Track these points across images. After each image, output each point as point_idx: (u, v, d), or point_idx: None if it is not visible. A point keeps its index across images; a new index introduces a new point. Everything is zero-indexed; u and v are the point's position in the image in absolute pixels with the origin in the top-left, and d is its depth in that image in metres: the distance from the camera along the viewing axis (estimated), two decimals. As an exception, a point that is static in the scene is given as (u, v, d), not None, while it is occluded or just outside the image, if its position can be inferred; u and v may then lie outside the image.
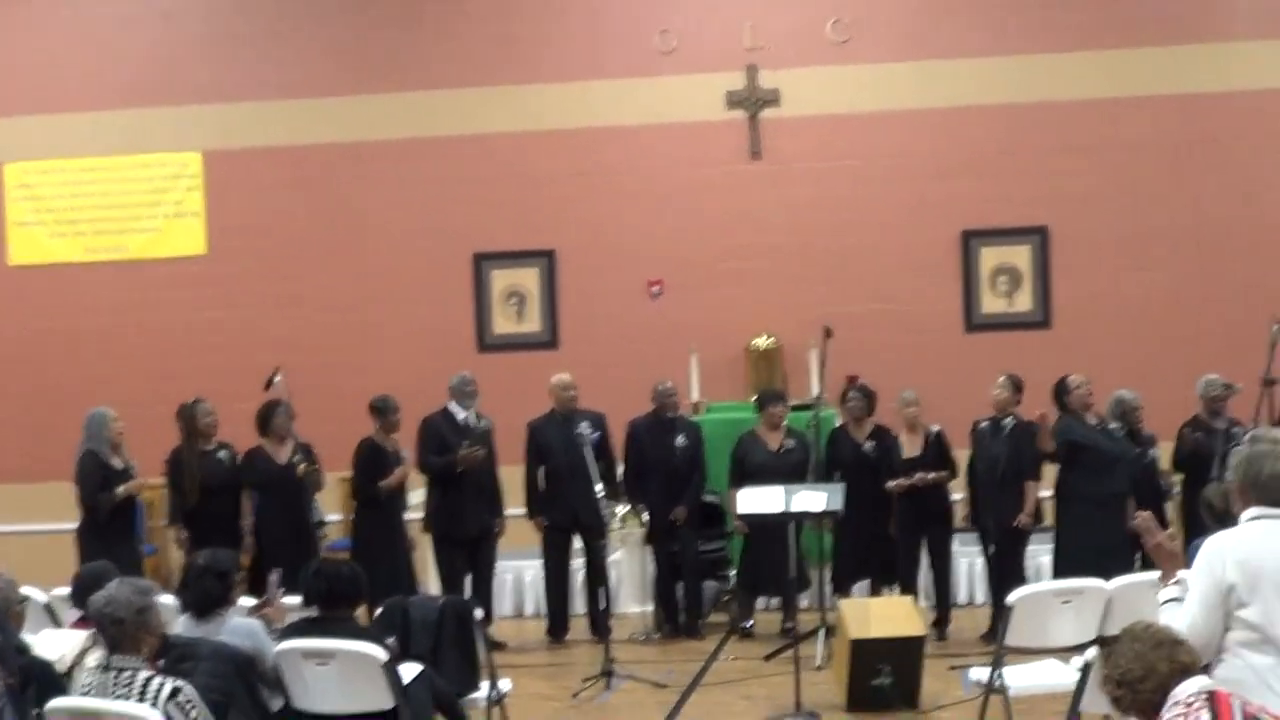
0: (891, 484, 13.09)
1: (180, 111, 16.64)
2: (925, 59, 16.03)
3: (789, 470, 13.03)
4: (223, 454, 12.91)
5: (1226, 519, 9.34)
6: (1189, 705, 5.19)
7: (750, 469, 13.26)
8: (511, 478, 13.74)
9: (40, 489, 15.20)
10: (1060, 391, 12.88)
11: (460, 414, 13.57)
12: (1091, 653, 7.71)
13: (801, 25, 16.14)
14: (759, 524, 12.50)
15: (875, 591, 13.51)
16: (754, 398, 14.13)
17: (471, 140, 16.41)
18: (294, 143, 16.62)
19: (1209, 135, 15.75)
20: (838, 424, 13.70)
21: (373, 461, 13.25)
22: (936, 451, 13.20)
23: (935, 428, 13.28)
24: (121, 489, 12.28)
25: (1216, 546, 6.05)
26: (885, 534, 13.24)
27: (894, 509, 13.24)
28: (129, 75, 16.71)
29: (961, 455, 13.27)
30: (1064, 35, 15.85)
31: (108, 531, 12.25)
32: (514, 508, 13.75)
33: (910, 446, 13.22)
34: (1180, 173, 15.78)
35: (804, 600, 13.54)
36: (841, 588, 13.40)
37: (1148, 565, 9.59)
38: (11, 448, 16.43)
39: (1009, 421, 12.79)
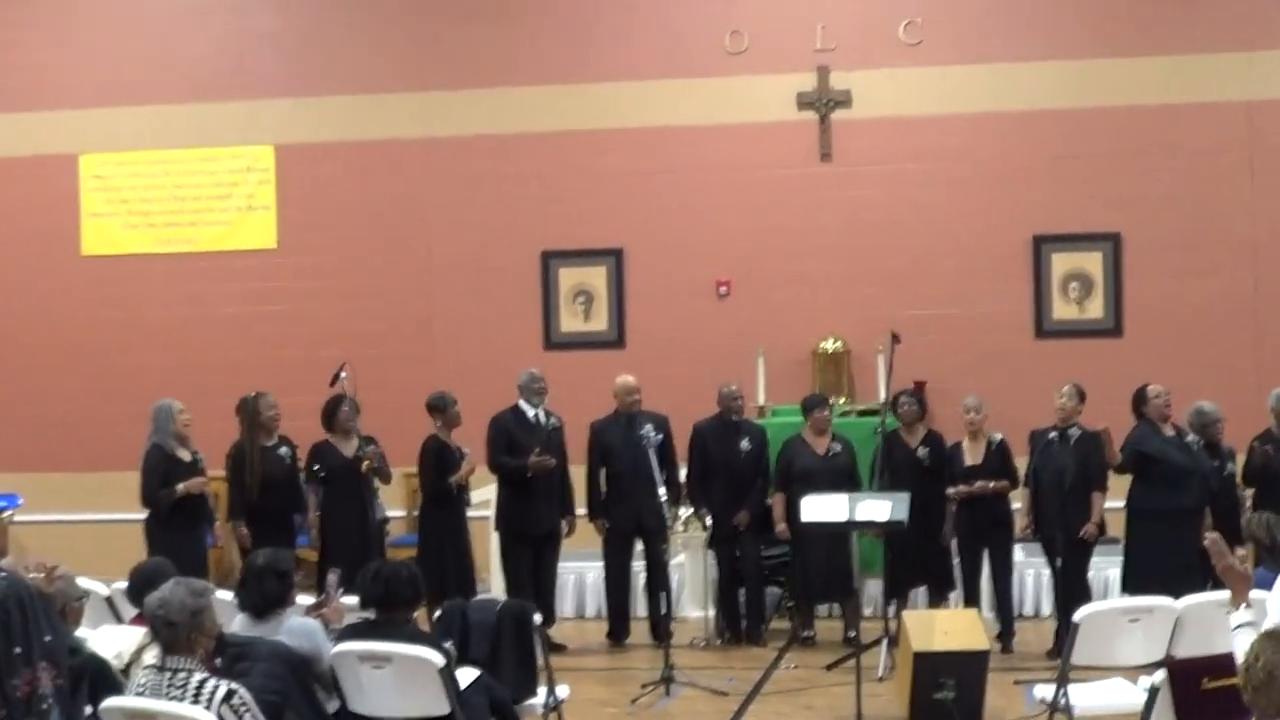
0: (952, 491, 12.98)
1: (252, 105, 16.71)
2: (997, 62, 15.93)
3: (835, 475, 13.00)
4: (284, 450, 12.90)
5: (1275, 549, 9.25)
6: None
7: (797, 474, 13.21)
8: (577, 477, 13.71)
9: (109, 478, 15.22)
10: (1138, 400, 12.73)
11: (530, 411, 13.53)
12: (1160, 674, 7.60)
13: (873, 27, 16.06)
14: (811, 531, 12.38)
15: (933, 602, 13.41)
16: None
17: (541, 138, 16.39)
18: (364, 138, 16.66)
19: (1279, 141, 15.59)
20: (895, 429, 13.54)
21: (439, 459, 13.23)
22: (999, 460, 13.07)
23: (998, 435, 13.14)
24: (181, 487, 12.24)
25: None
26: (938, 542, 13.14)
27: (947, 516, 13.12)
28: (202, 69, 16.79)
29: (1019, 464, 13.12)
30: (1133, 40, 15.72)
31: (174, 524, 12.25)
32: (579, 508, 13.71)
33: (972, 454, 13.09)
34: (1251, 179, 15.62)
35: (867, 609, 13.44)
36: (892, 595, 13.26)
37: (1218, 583, 9.46)
38: (81, 437, 16.57)
39: (1074, 431, 12.63)
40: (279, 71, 16.72)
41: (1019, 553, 13.52)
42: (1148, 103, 15.68)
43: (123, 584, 8.93)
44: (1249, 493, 13.14)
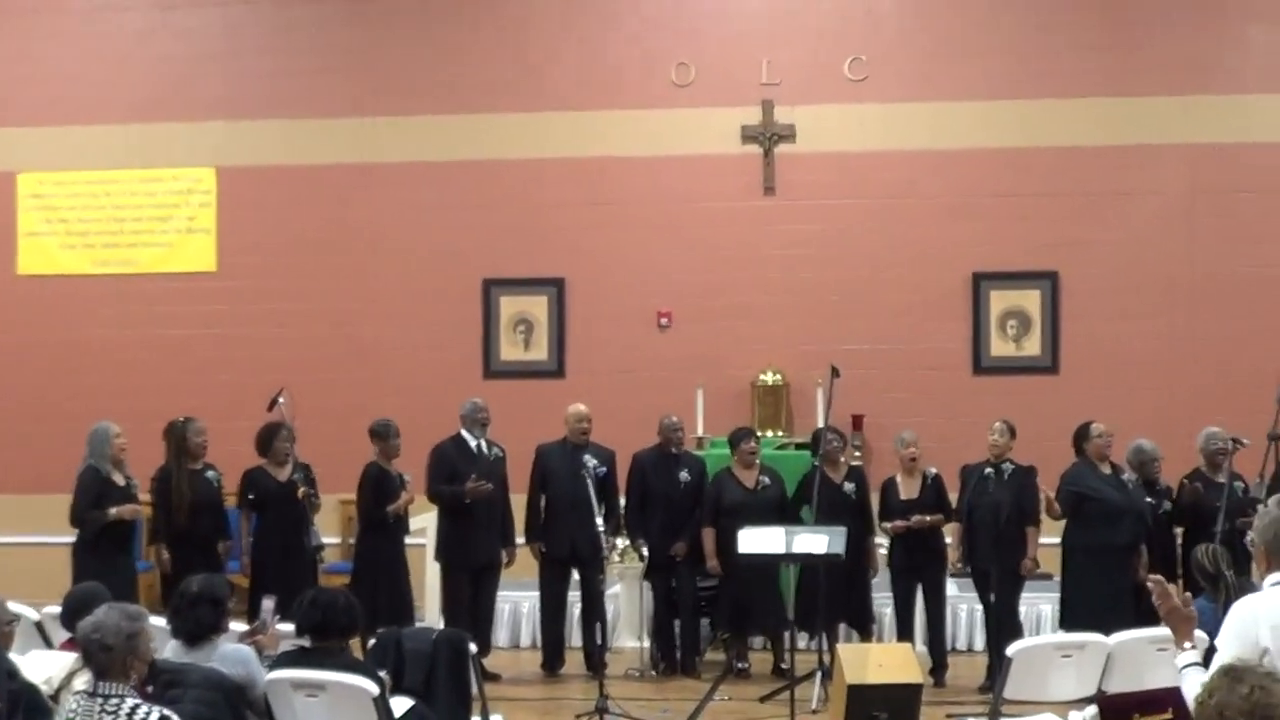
0: (888, 525, 13.01)
1: (194, 127, 16.68)
2: (940, 100, 16.04)
3: (765, 507, 12.99)
4: (210, 474, 12.80)
5: (1218, 580, 9.33)
6: None
7: (726, 507, 13.19)
8: (516, 507, 13.65)
9: (40, 500, 15.09)
10: (1079, 438, 12.78)
11: (472, 441, 13.49)
12: (1090, 710, 7.65)
13: (819, 62, 16.14)
14: (740, 564, 12.37)
15: (866, 635, 13.42)
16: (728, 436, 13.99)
17: (484, 166, 16.41)
18: (307, 162, 16.64)
19: (1219, 185, 15.75)
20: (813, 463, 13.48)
21: (378, 486, 13.15)
22: (934, 494, 13.11)
23: (933, 470, 13.18)
24: (113, 511, 12.12)
25: (1249, 610, 5.92)
26: (863, 578, 13.17)
27: (871, 552, 13.16)
28: (144, 89, 16.74)
29: (953, 499, 13.17)
30: (1078, 81, 15.85)
31: (102, 549, 12.12)
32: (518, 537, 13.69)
33: (907, 489, 13.12)
34: (1189, 222, 15.77)
35: (802, 642, 13.45)
36: (814, 629, 13.19)
37: (1149, 620, 9.52)
38: (12, 458, 16.44)
39: (1008, 466, 12.70)
40: (222, 94, 16.68)
41: (952, 587, 13.58)
42: (1088, 144, 15.82)
43: (53, 608, 8.87)
44: (1177, 531, 13.21)
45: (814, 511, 12.70)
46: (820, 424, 13.65)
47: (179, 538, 12.46)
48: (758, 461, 13.49)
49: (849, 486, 13.30)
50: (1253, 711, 4.88)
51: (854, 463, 13.93)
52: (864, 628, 13.43)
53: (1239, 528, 11.58)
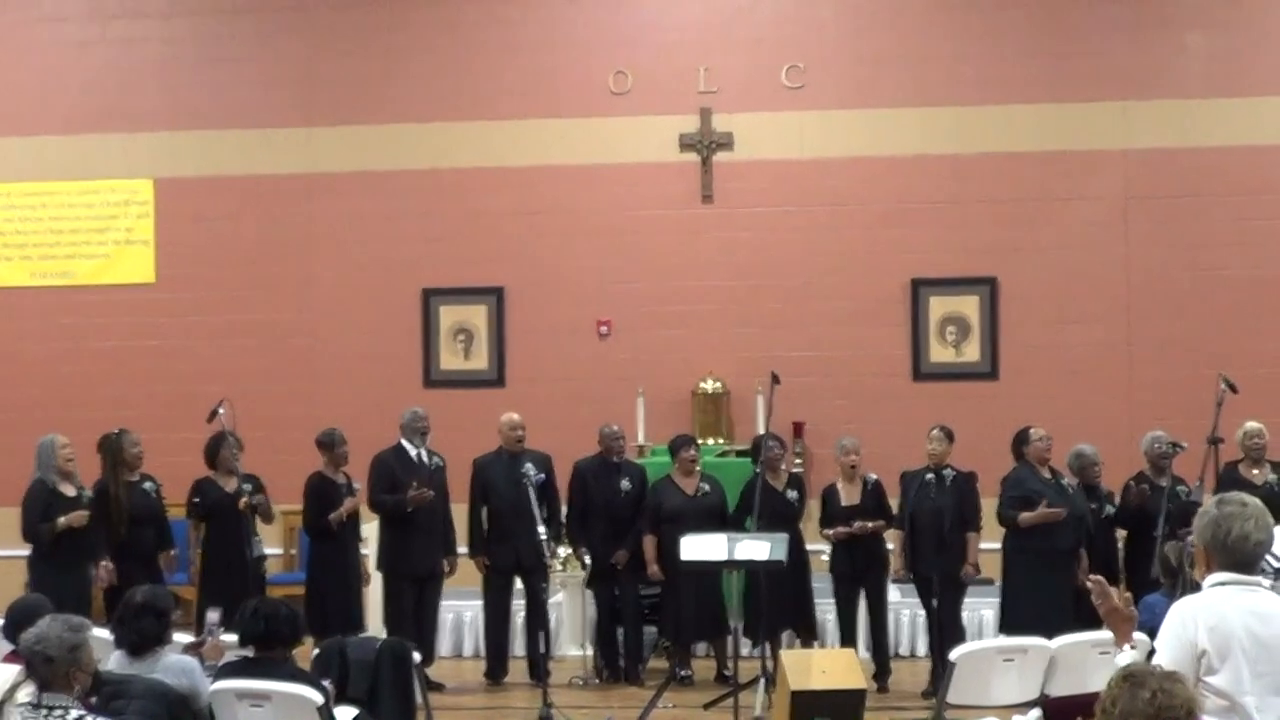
0: (830, 532, 13.05)
1: (132, 139, 16.61)
2: (877, 107, 16.09)
3: (705, 514, 13.03)
4: (148, 485, 12.76)
5: (1178, 576, 9.41)
6: None
7: (666, 514, 13.21)
8: (457, 516, 13.64)
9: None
10: (1019, 442, 12.84)
11: (412, 450, 13.47)
12: (1034, 713, 7.69)
13: (756, 70, 16.18)
14: (682, 571, 12.41)
15: (804, 644, 13.46)
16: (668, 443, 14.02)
17: (422, 175, 16.40)
18: (245, 172, 16.58)
19: (1156, 190, 15.83)
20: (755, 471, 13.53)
21: (322, 495, 13.08)
22: (875, 500, 13.14)
23: (873, 476, 13.21)
24: (62, 520, 12.09)
25: (1188, 611, 5.93)
26: (805, 585, 13.19)
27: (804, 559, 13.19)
28: (83, 100, 16.65)
29: (893, 504, 13.22)
30: (1015, 88, 15.94)
31: (58, 560, 12.11)
32: (460, 546, 13.66)
33: (848, 495, 13.14)
34: (1127, 227, 15.85)
35: (745, 649, 13.48)
36: (759, 637, 13.23)
37: (1088, 623, 9.58)
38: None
39: (949, 472, 12.75)
40: (159, 105, 16.60)
41: (894, 593, 13.63)
42: (1025, 150, 15.91)
43: (-4, 621, 8.82)
44: (1121, 534, 13.31)
45: (756, 519, 12.72)
46: (761, 431, 13.69)
47: (121, 550, 12.41)
48: (698, 469, 13.51)
49: (791, 494, 13.34)
50: (1157, 715, 4.90)
51: (795, 469, 13.95)
52: (809, 634, 13.46)
53: (1180, 536, 11.65)
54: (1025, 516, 12.39)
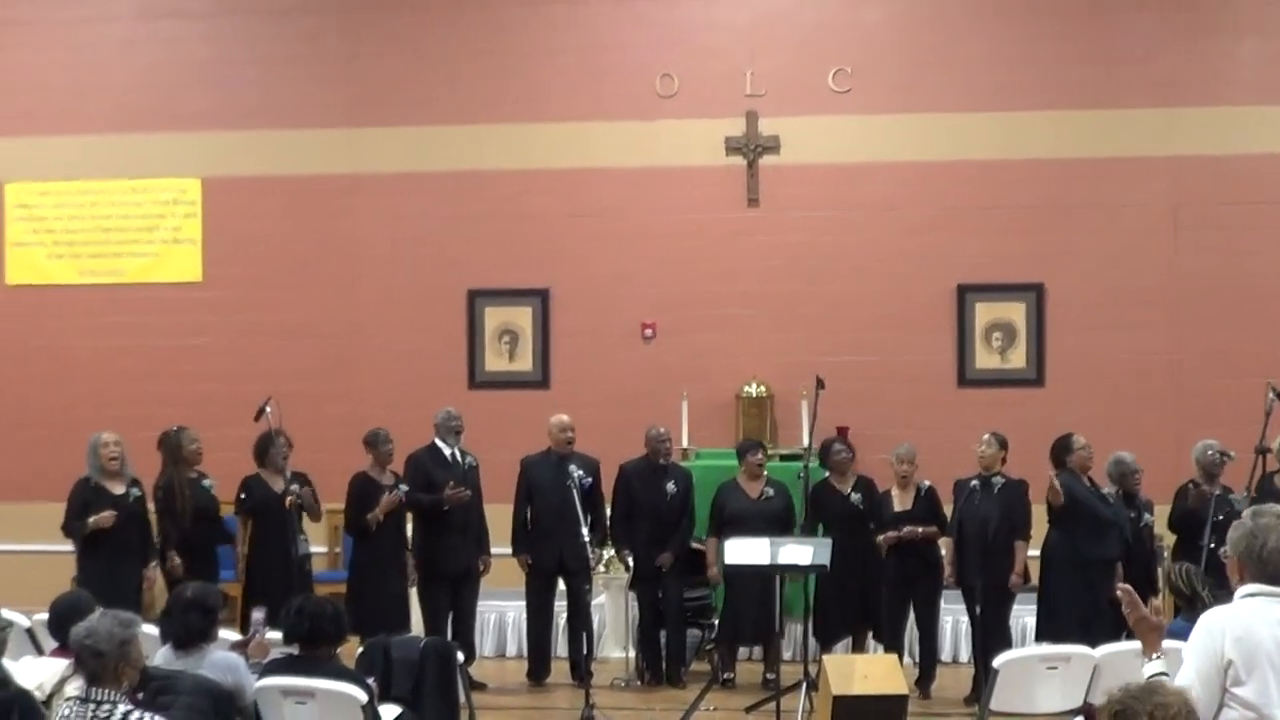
0: (880, 537, 13.02)
1: (180, 138, 16.66)
2: (924, 112, 16.04)
3: (768, 519, 13.03)
4: (207, 482, 12.87)
5: (1195, 601, 9.37)
6: None
7: (729, 517, 13.23)
8: (496, 516, 13.64)
9: (30, 509, 15.11)
10: (1062, 450, 12.78)
11: (446, 450, 13.51)
12: (1076, 720, 7.68)
13: (803, 74, 16.15)
14: (739, 574, 12.44)
15: (859, 645, 13.45)
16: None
17: (469, 176, 16.41)
18: (293, 172, 16.63)
19: (1203, 197, 15.73)
20: (825, 476, 13.59)
21: (364, 495, 13.17)
22: (927, 506, 13.11)
23: (926, 483, 13.17)
24: (91, 520, 12.26)
25: (1216, 622, 5.95)
26: (875, 587, 13.17)
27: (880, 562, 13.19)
28: (131, 99, 16.73)
29: (947, 512, 13.18)
30: (1063, 94, 15.86)
31: (102, 556, 12.28)
32: (499, 547, 13.68)
33: (901, 501, 13.12)
34: (1174, 234, 15.77)
35: (787, 652, 13.50)
36: (828, 640, 13.34)
37: (1125, 633, 9.54)
38: (1, 466, 16.41)
39: (998, 480, 12.71)
40: (208, 104, 16.67)
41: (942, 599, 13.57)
42: (1073, 156, 15.84)
43: (43, 615, 8.89)
44: (1169, 540, 13.24)
45: (818, 522, 12.78)
46: (805, 436, 13.69)
47: (181, 545, 12.53)
48: (764, 473, 13.52)
49: (855, 497, 13.34)
50: None
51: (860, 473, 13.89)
52: (877, 636, 13.43)
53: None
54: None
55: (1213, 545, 11.53)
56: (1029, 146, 15.88)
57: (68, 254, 16.86)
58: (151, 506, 12.87)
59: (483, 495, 13.59)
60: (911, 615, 13.20)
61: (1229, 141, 15.72)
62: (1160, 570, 13.01)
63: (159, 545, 12.72)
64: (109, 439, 12.61)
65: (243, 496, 12.89)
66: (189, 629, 8.06)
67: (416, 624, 13.55)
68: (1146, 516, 12.99)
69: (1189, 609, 9.63)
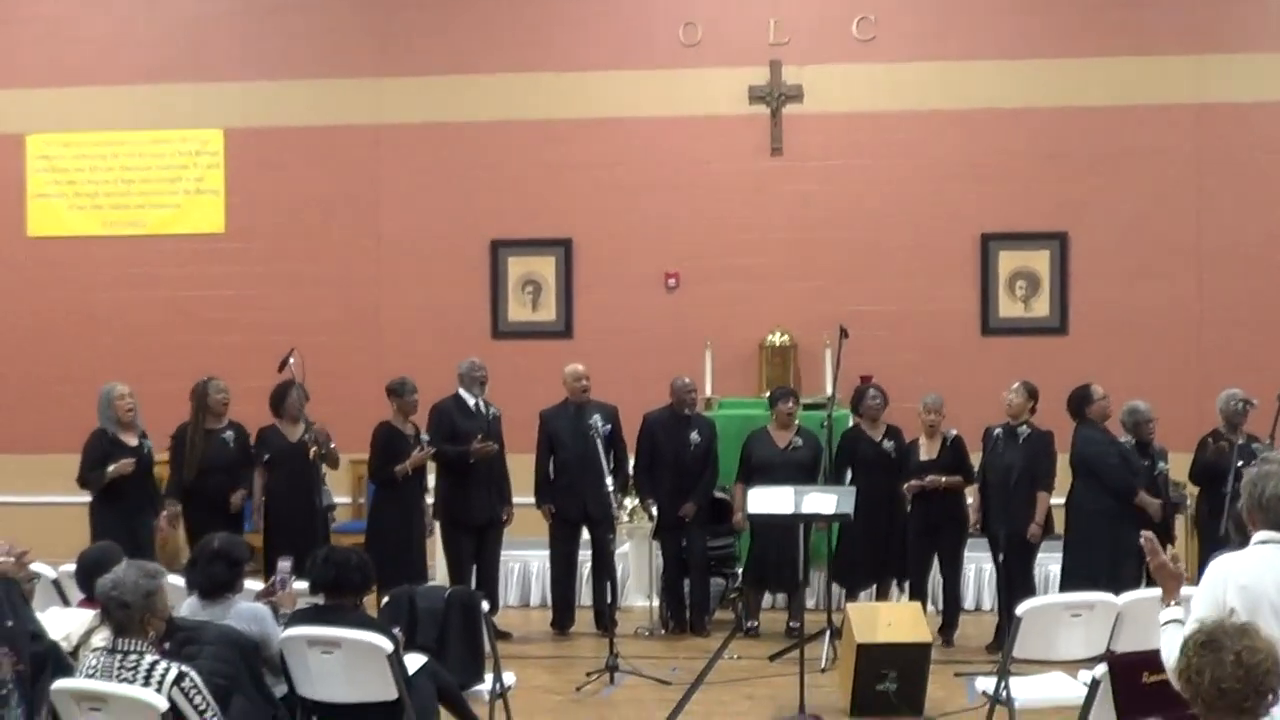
0: (905, 485, 13.00)
1: (203, 88, 16.68)
2: (948, 60, 15.99)
3: (795, 467, 13.03)
4: (228, 434, 12.82)
5: (1248, 536, 9.35)
6: None
7: (757, 465, 13.25)
8: (521, 466, 13.63)
9: (53, 460, 15.04)
10: (1081, 400, 12.71)
11: (470, 400, 13.51)
12: (1100, 668, 7.67)
13: (826, 22, 16.11)
14: (763, 522, 12.44)
15: (883, 593, 13.45)
16: (766, 394, 14.07)
17: (492, 127, 16.40)
18: (315, 123, 16.64)
19: (1229, 145, 15.70)
20: (851, 423, 13.59)
21: (389, 445, 13.14)
22: (953, 456, 13.06)
23: (953, 432, 13.11)
24: (111, 469, 12.22)
25: (1221, 569, 5.98)
26: (900, 536, 13.16)
27: (905, 511, 13.18)
28: (153, 50, 16.73)
29: (974, 460, 13.16)
30: (1084, 41, 15.80)
31: (115, 507, 12.24)
32: (522, 496, 13.67)
33: (928, 450, 13.07)
34: (1199, 182, 15.72)
35: (810, 601, 13.52)
36: (852, 588, 13.37)
37: (1149, 580, 9.53)
38: (24, 418, 16.52)
39: (1024, 429, 12.66)
40: (230, 55, 16.67)
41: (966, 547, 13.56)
42: (1097, 104, 15.79)
43: (69, 566, 8.92)
44: (1192, 490, 13.20)
45: (824, 470, 12.77)
46: (829, 385, 13.68)
47: (190, 495, 12.54)
48: (795, 422, 13.51)
49: (888, 444, 13.33)
50: (1246, 676, 4.89)
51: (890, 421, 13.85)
52: (902, 584, 13.45)
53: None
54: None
55: (1231, 491, 11.51)
56: (1054, 94, 15.83)
57: (89, 205, 16.88)
58: (162, 456, 12.89)
59: (504, 446, 13.59)
60: (935, 563, 13.20)
61: (1256, 88, 15.68)
62: (1181, 517, 13.01)
63: (165, 491, 12.75)
64: (123, 390, 12.57)
65: (259, 449, 12.87)
66: (213, 579, 8.07)
67: (434, 574, 13.59)
68: (1161, 465, 12.93)
69: (1241, 544, 9.63)
